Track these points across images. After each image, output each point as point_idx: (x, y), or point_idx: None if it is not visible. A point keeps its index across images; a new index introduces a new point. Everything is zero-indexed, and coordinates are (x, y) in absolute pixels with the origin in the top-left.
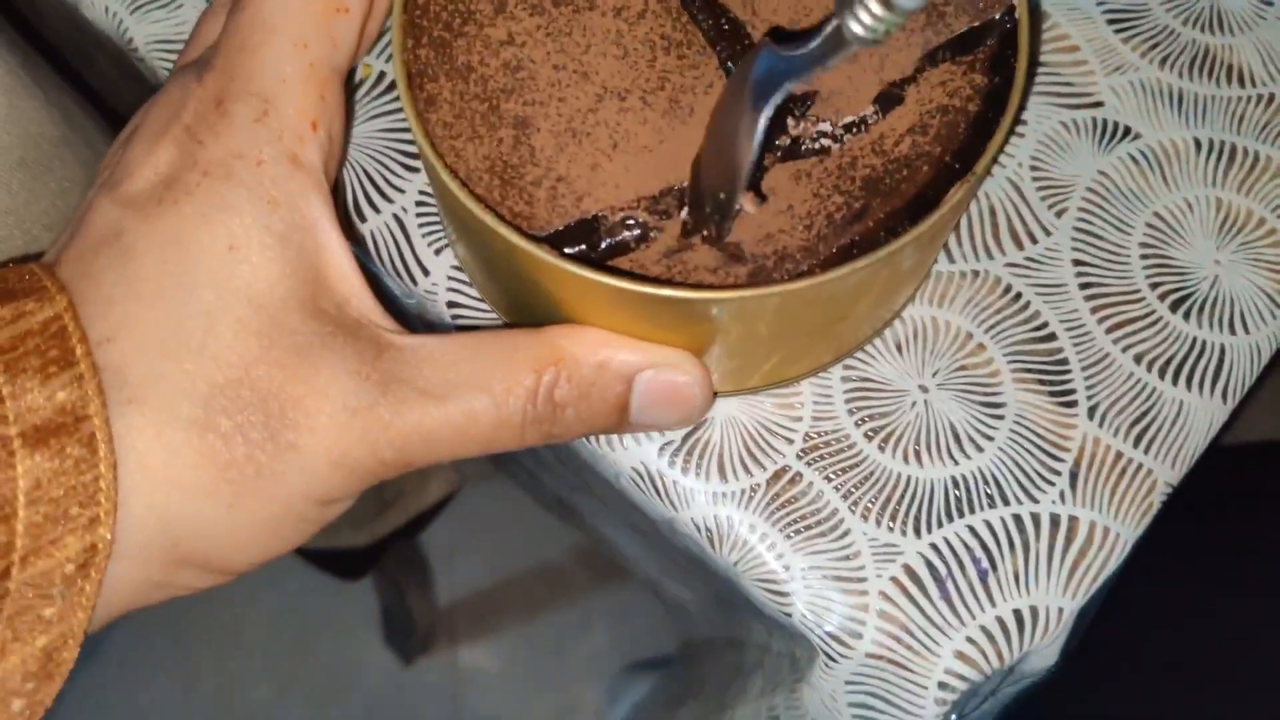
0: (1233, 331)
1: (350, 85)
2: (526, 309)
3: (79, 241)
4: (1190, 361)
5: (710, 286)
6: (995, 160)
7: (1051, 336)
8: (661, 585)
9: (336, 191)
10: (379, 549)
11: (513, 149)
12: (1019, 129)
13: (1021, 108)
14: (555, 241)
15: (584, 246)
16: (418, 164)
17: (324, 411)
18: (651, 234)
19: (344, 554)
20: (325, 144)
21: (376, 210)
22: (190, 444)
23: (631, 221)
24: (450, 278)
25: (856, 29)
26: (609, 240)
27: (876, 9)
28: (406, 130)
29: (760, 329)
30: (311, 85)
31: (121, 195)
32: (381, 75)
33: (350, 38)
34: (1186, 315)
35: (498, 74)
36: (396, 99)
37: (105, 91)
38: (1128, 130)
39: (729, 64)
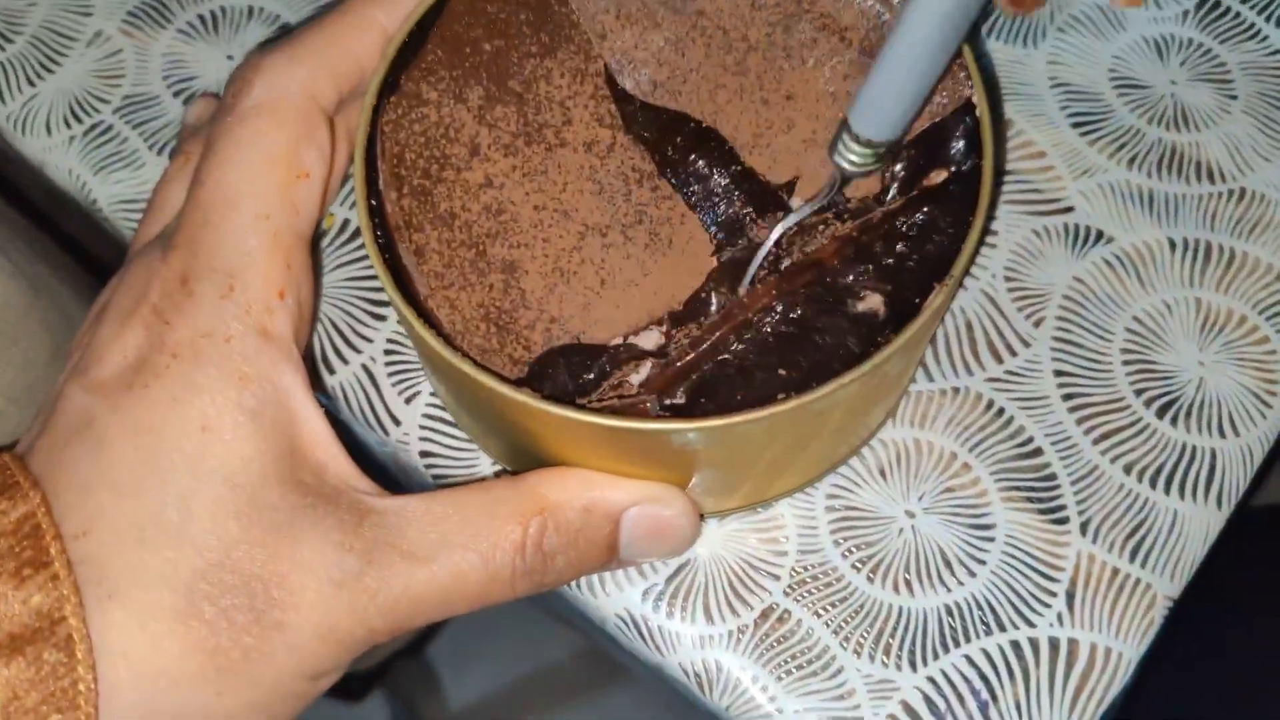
0: (1222, 435)
1: (316, 245)
2: (509, 445)
3: (51, 431)
4: (1182, 469)
5: (690, 416)
6: (971, 263)
7: (1038, 451)
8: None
9: (307, 353)
10: (383, 668)
11: (504, 294)
12: (991, 239)
13: (993, 206)
14: (538, 372)
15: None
16: (384, 311)
17: (309, 587)
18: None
19: (345, 679)
20: (294, 311)
21: (345, 361)
22: (174, 633)
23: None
24: (423, 426)
25: (848, 166)
26: (594, 377)
27: (857, 149)
28: (368, 278)
29: (744, 452)
30: (277, 255)
31: (91, 381)
32: (346, 223)
33: (313, 202)
34: (1174, 421)
35: (481, 219)
36: (361, 247)
37: (80, 239)
38: (1100, 234)
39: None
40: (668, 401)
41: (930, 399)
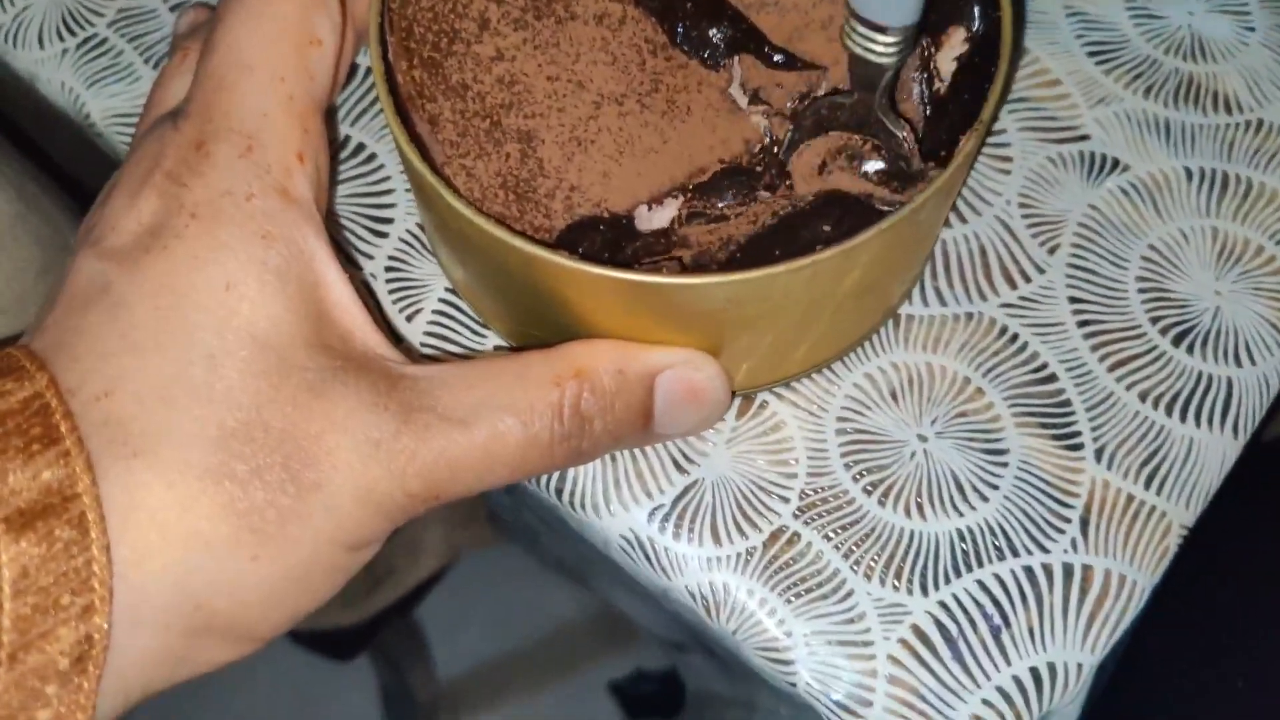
0: (1239, 364)
1: (331, 119)
2: (537, 323)
3: (65, 303)
4: (1198, 397)
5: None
6: (999, 107)
7: (1052, 378)
8: (668, 645)
9: (329, 226)
10: (373, 627)
11: (521, 163)
12: (1005, 166)
13: (1015, 60)
14: (569, 243)
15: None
16: (386, 229)
17: (344, 446)
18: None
19: (336, 633)
20: (314, 176)
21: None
22: (205, 493)
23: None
24: (424, 345)
25: (867, 55)
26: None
27: (876, 37)
28: (370, 195)
29: (782, 310)
30: (293, 118)
31: (105, 249)
32: (346, 139)
33: (326, 71)
34: (1190, 349)
35: (493, 90)
36: (360, 163)
37: (66, 167)
38: (1116, 162)
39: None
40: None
41: (943, 322)
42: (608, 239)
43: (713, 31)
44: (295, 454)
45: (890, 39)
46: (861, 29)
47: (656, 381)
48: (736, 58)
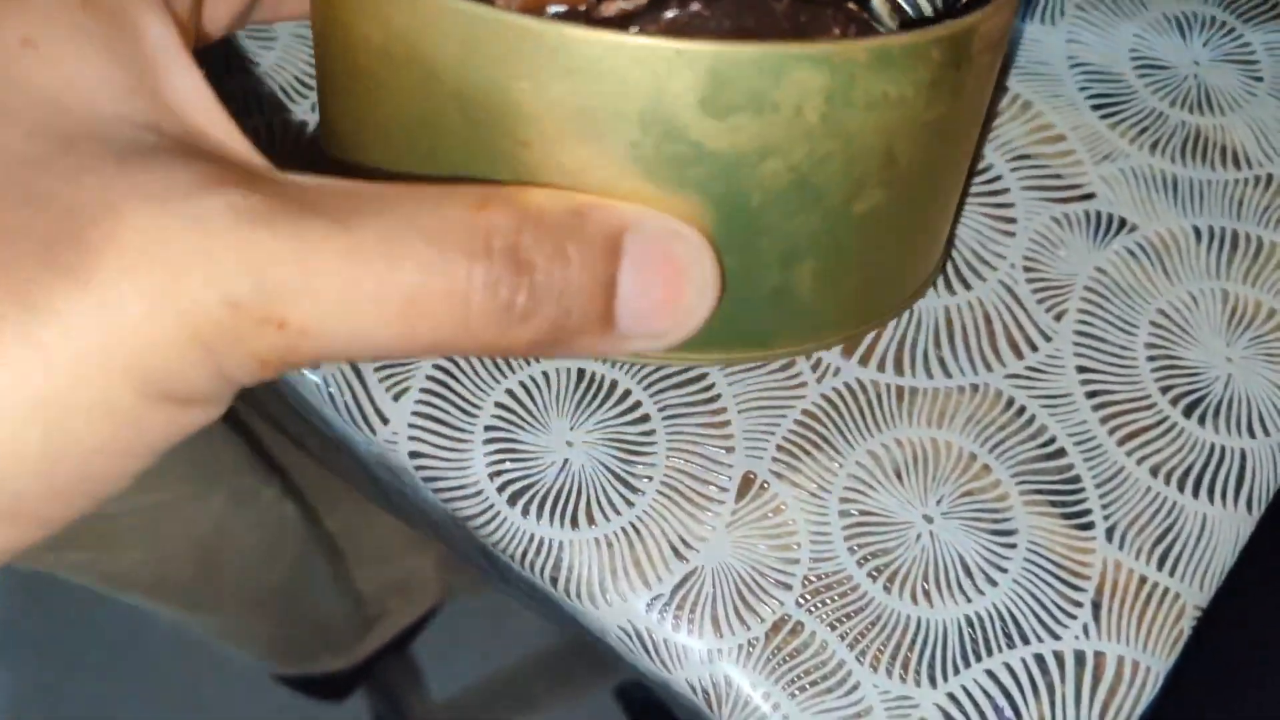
0: (1252, 434)
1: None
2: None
3: None
4: (1210, 471)
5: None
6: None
7: (1061, 452)
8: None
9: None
10: (366, 667)
11: None
12: (1009, 227)
13: None
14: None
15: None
16: None
17: (145, 226)
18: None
19: (326, 679)
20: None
21: None
22: None
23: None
24: (412, 425)
25: None
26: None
27: None
28: None
29: (796, 147)
30: None
31: None
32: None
33: None
34: (1202, 420)
35: None
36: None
37: None
38: (1123, 222)
39: None
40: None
41: (948, 396)
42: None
43: None
44: (65, 229)
45: None
46: None
47: (624, 243)
48: None
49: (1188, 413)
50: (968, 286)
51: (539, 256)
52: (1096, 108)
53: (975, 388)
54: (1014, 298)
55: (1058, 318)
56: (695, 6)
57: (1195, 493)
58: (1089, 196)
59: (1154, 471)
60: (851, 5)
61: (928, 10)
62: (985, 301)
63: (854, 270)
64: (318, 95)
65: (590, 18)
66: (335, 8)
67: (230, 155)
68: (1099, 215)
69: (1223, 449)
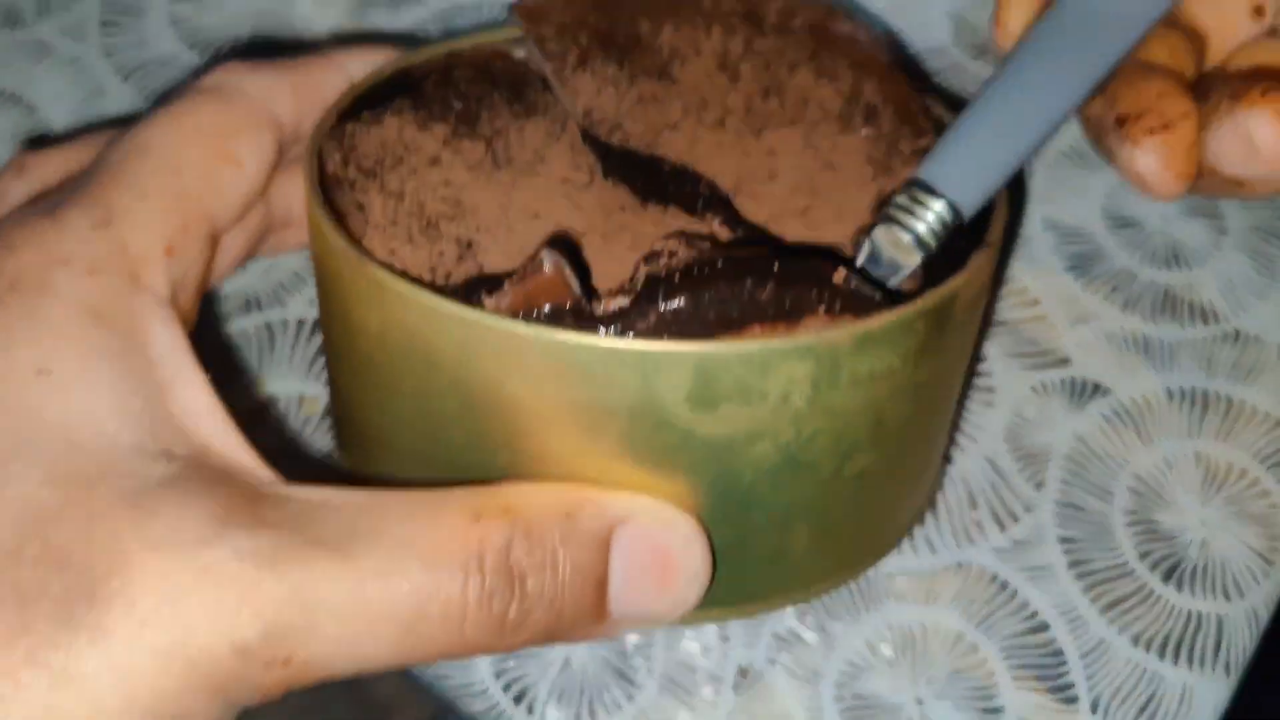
0: (1227, 598)
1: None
2: (460, 461)
3: None
4: (1189, 637)
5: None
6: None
7: (1045, 626)
8: None
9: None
10: None
11: (457, 262)
12: (988, 398)
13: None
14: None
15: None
16: None
17: (153, 573)
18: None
19: None
20: (179, 280)
21: None
22: None
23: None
24: None
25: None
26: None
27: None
28: None
29: (773, 423)
30: (174, 211)
31: None
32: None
33: (236, 194)
34: (1180, 586)
35: (435, 202)
36: None
37: None
38: (1098, 387)
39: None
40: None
41: (935, 575)
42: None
43: (688, 190)
44: (80, 585)
45: (939, 216)
46: (911, 202)
47: (614, 537)
48: (714, 220)
49: (1166, 578)
50: (951, 461)
51: (531, 566)
52: (1070, 269)
53: (961, 565)
54: (996, 471)
55: (1038, 488)
56: (681, 303)
57: (1175, 659)
58: (1065, 362)
59: (1135, 640)
60: (840, 271)
61: (926, 235)
62: (969, 477)
63: (847, 526)
64: (327, 368)
65: (581, 314)
66: (334, 295)
67: (237, 472)
68: (1075, 381)
69: (1200, 615)
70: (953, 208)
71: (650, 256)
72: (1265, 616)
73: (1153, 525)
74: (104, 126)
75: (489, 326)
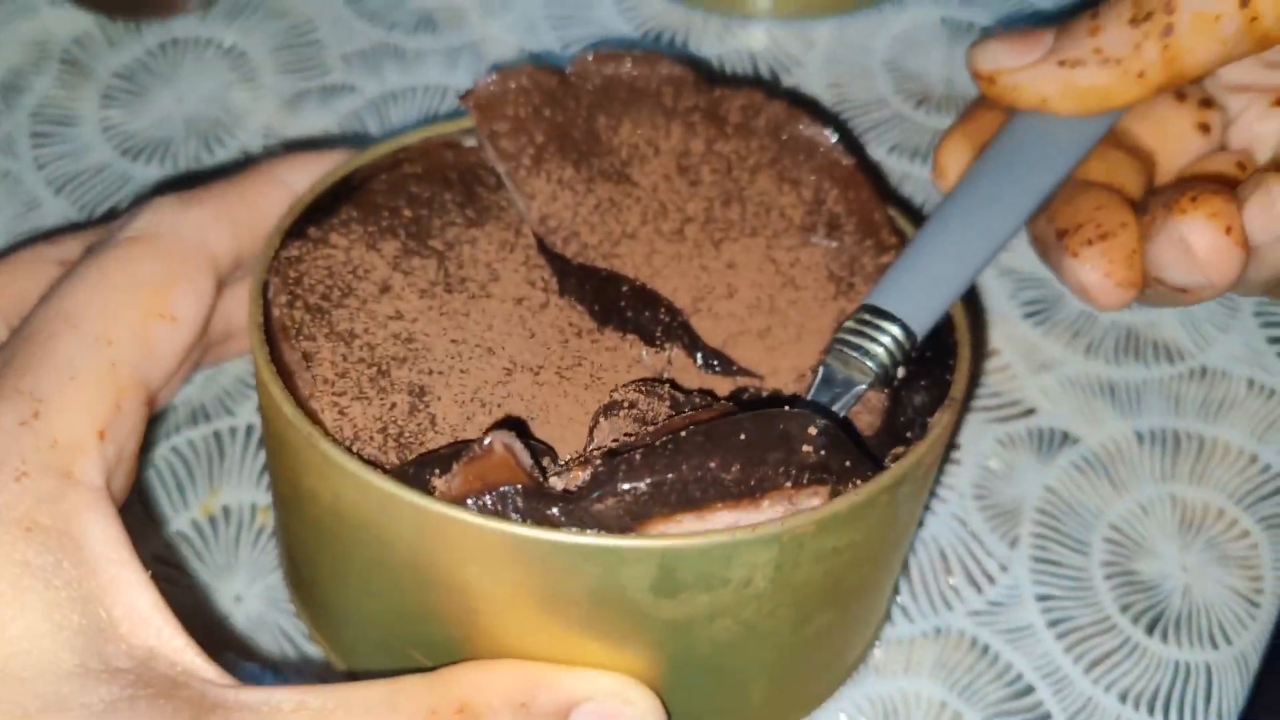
0: (1214, 646)
1: (154, 422)
2: (415, 636)
3: None
4: (1178, 690)
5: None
6: (970, 383)
7: (1029, 689)
8: None
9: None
10: None
11: (409, 416)
12: (955, 455)
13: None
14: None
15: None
16: None
17: None
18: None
19: None
20: (113, 460)
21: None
22: None
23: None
24: None
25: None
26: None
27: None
28: None
29: (730, 608)
30: (107, 389)
31: None
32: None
33: (171, 352)
34: (1164, 637)
35: (386, 343)
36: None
37: None
38: (1065, 435)
39: (656, 345)
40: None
41: (913, 643)
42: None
43: (647, 316)
44: None
45: (893, 338)
46: (864, 326)
47: (572, 717)
48: (671, 349)
49: (1149, 630)
50: (921, 524)
51: None
52: (1028, 315)
53: (939, 630)
54: (967, 530)
55: (1012, 545)
56: (642, 485)
57: (1165, 714)
58: (1030, 412)
59: (1122, 697)
60: (806, 446)
61: (882, 358)
62: (940, 537)
63: (804, 674)
64: (275, 515)
65: (535, 495)
66: (284, 461)
67: (184, 677)
68: (1042, 431)
69: (1188, 665)
70: (906, 330)
71: (609, 408)
72: (1255, 661)
73: (1132, 576)
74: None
75: (442, 515)
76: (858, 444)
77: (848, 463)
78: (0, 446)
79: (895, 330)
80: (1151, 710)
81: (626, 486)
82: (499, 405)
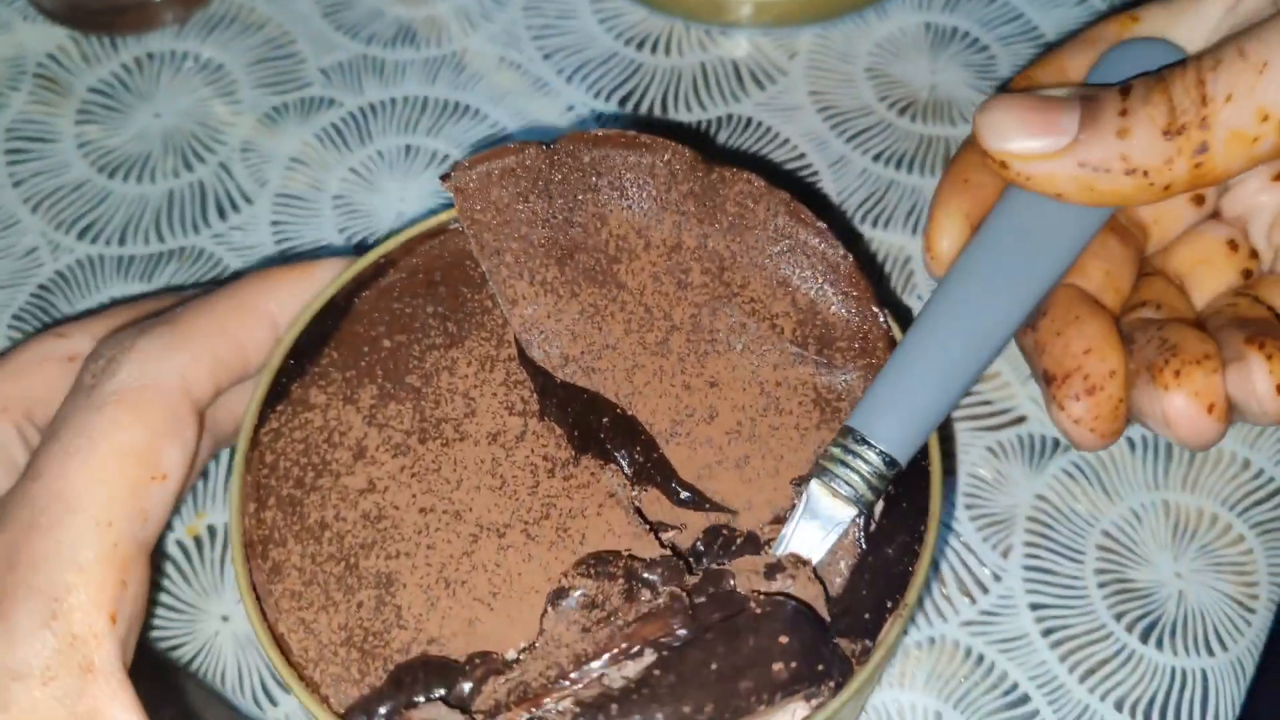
0: (1210, 652)
1: (155, 553)
2: None
3: None
4: (1175, 697)
5: None
6: (923, 590)
7: (1025, 699)
8: None
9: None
10: None
11: (375, 612)
12: (945, 464)
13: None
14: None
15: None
16: None
17: None
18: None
19: None
20: (124, 634)
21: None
22: None
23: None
24: None
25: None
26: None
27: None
28: None
29: None
30: (113, 572)
31: None
32: None
33: (164, 507)
34: (1160, 644)
35: (356, 528)
36: None
37: None
38: (1056, 443)
39: (629, 474)
40: None
41: (906, 654)
42: (430, 683)
43: (624, 451)
44: None
45: (876, 470)
46: (845, 453)
47: None
48: (641, 490)
49: (1144, 637)
50: None
51: None
52: None
53: (933, 640)
54: (959, 539)
55: (1005, 554)
56: None
57: None
58: (1020, 419)
59: (1119, 706)
60: (777, 666)
61: (861, 488)
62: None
63: None
64: None
65: None
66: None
67: None
68: (1033, 438)
69: (1184, 672)
70: (887, 457)
71: (557, 596)
72: (1251, 666)
73: (1126, 583)
74: (13, 261)
75: None
76: (827, 626)
77: (820, 666)
78: (28, 653)
79: (875, 458)
80: (1148, 718)
81: None
82: (462, 583)
